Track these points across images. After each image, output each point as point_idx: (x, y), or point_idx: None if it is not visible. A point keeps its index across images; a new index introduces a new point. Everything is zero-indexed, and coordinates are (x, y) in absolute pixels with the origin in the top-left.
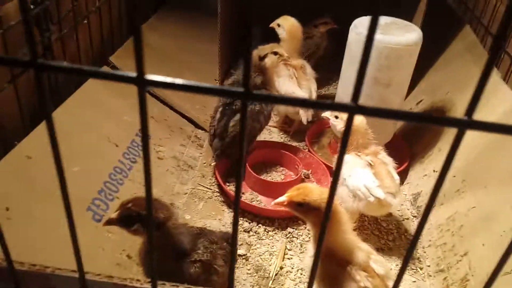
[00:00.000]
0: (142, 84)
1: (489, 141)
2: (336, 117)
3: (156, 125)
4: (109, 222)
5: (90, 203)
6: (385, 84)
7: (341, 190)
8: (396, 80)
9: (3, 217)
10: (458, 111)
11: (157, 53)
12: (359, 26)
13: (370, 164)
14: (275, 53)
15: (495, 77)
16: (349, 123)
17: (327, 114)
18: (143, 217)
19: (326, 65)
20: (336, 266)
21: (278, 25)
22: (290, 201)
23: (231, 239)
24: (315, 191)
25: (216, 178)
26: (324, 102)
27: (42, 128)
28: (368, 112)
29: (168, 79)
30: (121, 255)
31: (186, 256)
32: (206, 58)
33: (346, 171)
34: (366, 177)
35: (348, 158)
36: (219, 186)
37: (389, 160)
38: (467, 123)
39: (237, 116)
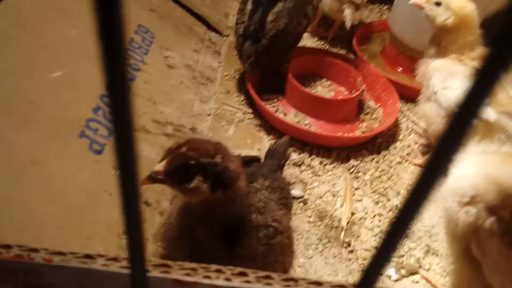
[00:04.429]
0: None
1: None
2: (438, 3)
3: (159, 22)
4: (152, 178)
5: (83, 126)
6: None
7: (428, 108)
8: None
9: None
10: None
11: None
12: None
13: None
14: None
15: None
16: None
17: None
18: (207, 166)
19: None
20: None
21: None
22: None
23: None
24: None
25: (250, 95)
26: None
27: None
28: None
29: None
30: None
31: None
32: None
33: (438, 81)
34: None
35: (443, 63)
36: (252, 105)
37: None
38: None
39: (278, 7)
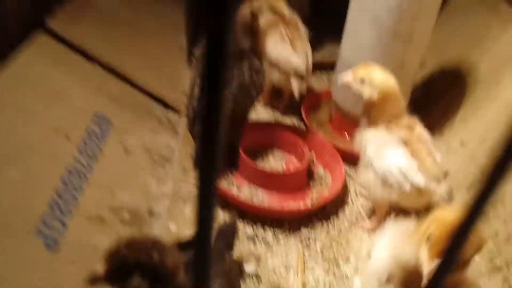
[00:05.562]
0: None
1: None
2: (363, 80)
3: (117, 109)
4: (94, 280)
5: (38, 222)
6: (405, 39)
7: (366, 175)
8: (418, 34)
9: None
10: (479, 72)
11: (107, 16)
12: None
13: (405, 141)
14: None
15: None
16: None
17: (346, 76)
18: (145, 265)
19: (313, 24)
20: None
21: None
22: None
23: None
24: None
25: None
26: None
27: None
28: None
29: None
30: None
31: None
32: (169, 22)
33: (371, 150)
34: (400, 157)
35: (374, 134)
36: None
37: (427, 136)
38: None
39: None
